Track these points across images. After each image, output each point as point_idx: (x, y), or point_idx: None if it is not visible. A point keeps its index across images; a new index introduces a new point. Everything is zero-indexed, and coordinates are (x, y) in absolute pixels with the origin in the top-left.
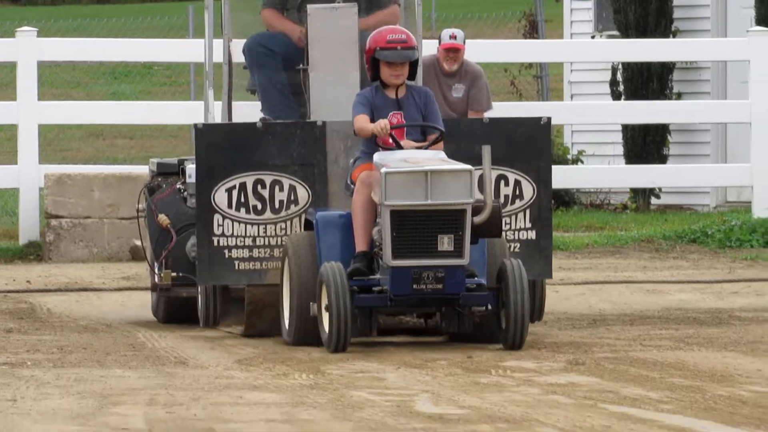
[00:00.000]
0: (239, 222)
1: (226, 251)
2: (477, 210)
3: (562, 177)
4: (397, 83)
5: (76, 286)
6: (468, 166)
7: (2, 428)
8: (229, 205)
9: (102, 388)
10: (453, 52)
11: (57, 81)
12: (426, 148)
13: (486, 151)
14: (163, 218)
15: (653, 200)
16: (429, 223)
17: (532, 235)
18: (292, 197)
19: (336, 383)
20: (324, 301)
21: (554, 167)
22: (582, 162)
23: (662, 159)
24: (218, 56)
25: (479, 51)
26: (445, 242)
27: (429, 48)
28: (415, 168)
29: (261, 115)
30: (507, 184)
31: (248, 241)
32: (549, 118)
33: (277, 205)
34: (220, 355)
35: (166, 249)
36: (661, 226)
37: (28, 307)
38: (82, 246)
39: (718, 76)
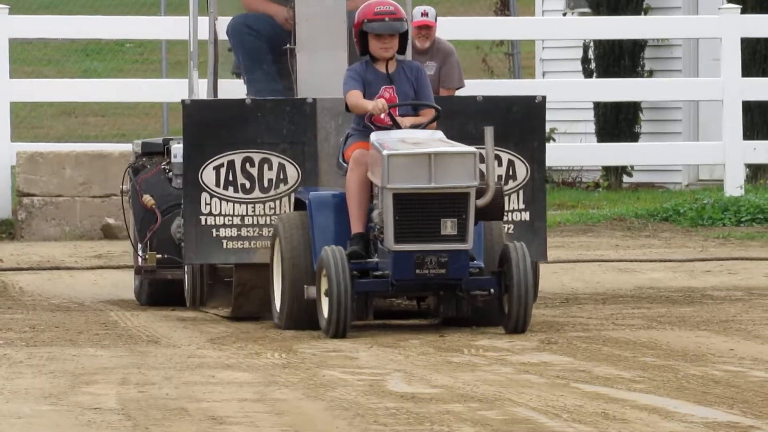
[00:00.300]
0: (227, 201)
1: (213, 230)
2: (479, 192)
3: None
4: (386, 56)
5: (48, 264)
6: (472, 149)
7: None
8: (217, 184)
9: (74, 368)
10: (425, 29)
11: (29, 58)
12: (424, 127)
13: (489, 132)
14: (147, 199)
15: (625, 178)
16: (432, 206)
17: (525, 216)
18: (282, 176)
19: (308, 362)
20: (324, 286)
21: None
22: (554, 140)
23: (634, 137)
24: (203, 34)
25: (451, 28)
26: (449, 226)
27: None
28: (419, 150)
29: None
30: (500, 164)
31: (236, 220)
32: (544, 97)
33: (266, 184)
34: (192, 334)
35: (150, 230)
36: (633, 204)
37: (0, 286)
38: (54, 224)
39: (689, 53)
